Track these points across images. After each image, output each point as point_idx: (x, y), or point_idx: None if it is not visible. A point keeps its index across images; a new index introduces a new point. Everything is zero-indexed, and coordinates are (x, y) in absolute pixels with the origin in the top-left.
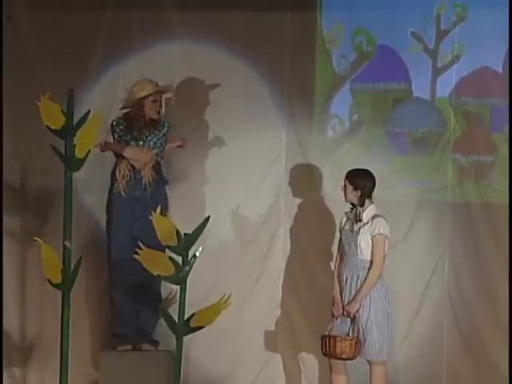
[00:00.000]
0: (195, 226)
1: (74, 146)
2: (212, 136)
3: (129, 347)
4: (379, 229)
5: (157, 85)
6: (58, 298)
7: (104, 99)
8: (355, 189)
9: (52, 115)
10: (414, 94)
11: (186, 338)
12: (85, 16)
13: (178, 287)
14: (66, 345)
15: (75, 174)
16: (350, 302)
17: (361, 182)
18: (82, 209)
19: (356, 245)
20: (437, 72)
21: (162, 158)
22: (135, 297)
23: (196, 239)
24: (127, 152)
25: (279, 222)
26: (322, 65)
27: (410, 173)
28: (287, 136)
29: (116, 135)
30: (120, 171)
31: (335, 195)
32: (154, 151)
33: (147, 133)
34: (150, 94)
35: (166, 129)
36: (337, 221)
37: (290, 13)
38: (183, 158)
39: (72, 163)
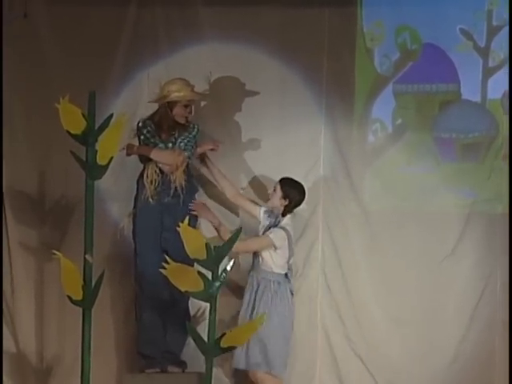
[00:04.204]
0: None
1: (96, 152)
2: (244, 142)
3: (157, 370)
4: (270, 233)
5: (193, 89)
6: (78, 316)
7: (128, 102)
8: (285, 197)
9: (72, 119)
10: (463, 96)
11: (215, 359)
12: (108, 13)
13: (208, 304)
14: (87, 367)
15: (97, 182)
16: None
17: (293, 193)
18: (106, 219)
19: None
20: (488, 72)
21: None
22: (163, 313)
23: (227, 252)
24: (156, 154)
25: (317, 235)
26: (363, 65)
27: (459, 182)
28: (325, 142)
29: (143, 137)
30: (148, 176)
31: (376, 206)
32: (186, 153)
33: (176, 134)
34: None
35: (196, 131)
36: (377, 233)
37: (328, 9)
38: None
39: (93, 171)
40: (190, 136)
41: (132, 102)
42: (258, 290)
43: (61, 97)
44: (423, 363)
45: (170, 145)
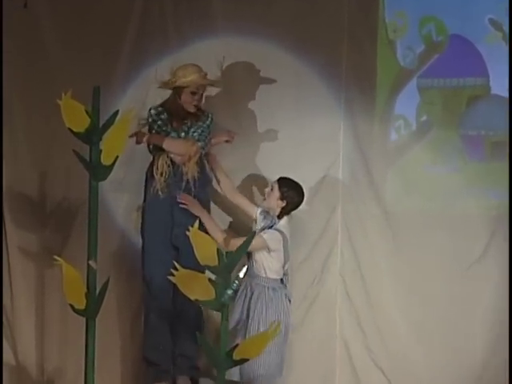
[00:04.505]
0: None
1: (100, 151)
2: (257, 137)
3: None
4: (264, 233)
5: (205, 76)
6: (81, 326)
7: (135, 98)
8: (282, 198)
9: (75, 116)
10: (493, 91)
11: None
12: (113, 3)
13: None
14: (90, 380)
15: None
16: None
17: (292, 194)
18: (111, 220)
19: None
20: None
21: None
22: (172, 316)
23: (240, 258)
24: (169, 144)
25: (336, 239)
26: (385, 57)
27: (487, 182)
28: (345, 139)
29: (155, 126)
30: (158, 168)
31: (399, 207)
32: (199, 144)
33: (189, 123)
34: (187, 86)
35: (209, 120)
36: (400, 236)
37: None
38: (227, 163)
39: (98, 171)
40: (204, 126)
41: (139, 99)
42: (252, 296)
43: (63, 92)
44: (447, 376)
45: (183, 134)
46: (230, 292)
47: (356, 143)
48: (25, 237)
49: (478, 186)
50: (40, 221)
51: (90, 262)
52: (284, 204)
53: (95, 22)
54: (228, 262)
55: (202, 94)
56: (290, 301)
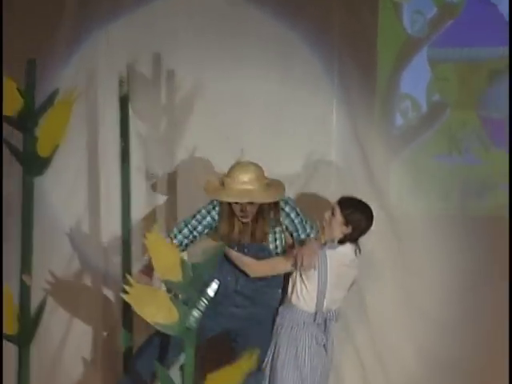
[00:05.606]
0: None
1: (36, 139)
2: (234, 125)
3: None
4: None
5: (246, 191)
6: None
7: (81, 70)
8: (347, 223)
9: (5, 96)
10: None
11: None
12: None
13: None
14: None
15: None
16: None
17: (358, 217)
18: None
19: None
20: None
21: None
22: None
23: (209, 271)
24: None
25: None
26: (389, 23)
27: None
28: (338, 123)
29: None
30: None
31: (406, 209)
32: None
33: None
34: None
35: (284, 204)
36: (408, 246)
37: None
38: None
39: (33, 164)
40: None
41: (85, 72)
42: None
43: None
44: None
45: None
46: (196, 314)
47: (352, 128)
48: None
49: (504, 181)
50: None
51: (24, 277)
52: (349, 230)
53: None
54: (194, 277)
55: (249, 205)
56: (321, 345)
